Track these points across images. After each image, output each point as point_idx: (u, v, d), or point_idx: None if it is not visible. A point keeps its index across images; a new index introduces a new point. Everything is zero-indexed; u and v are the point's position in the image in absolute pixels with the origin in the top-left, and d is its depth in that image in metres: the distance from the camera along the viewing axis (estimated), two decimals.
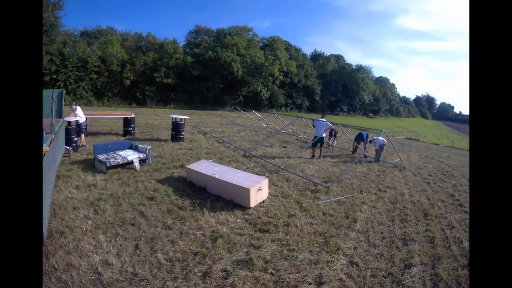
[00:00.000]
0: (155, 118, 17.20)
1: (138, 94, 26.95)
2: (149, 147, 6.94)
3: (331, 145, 11.07)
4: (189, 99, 29.16)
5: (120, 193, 4.90)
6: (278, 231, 3.98)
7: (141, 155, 6.64)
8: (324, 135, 8.53)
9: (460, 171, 8.59)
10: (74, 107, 8.04)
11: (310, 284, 2.93)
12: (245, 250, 3.45)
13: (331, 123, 9.13)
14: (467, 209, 5.26)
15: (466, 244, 3.89)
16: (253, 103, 31.05)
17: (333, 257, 3.43)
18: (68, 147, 7.09)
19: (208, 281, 2.86)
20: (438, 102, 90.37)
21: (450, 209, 5.35)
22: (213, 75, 29.39)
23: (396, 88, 59.42)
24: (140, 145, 7.01)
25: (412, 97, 76.11)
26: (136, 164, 6.35)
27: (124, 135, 10.30)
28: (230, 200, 4.83)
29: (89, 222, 3.85)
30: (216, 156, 8.00)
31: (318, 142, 8.46)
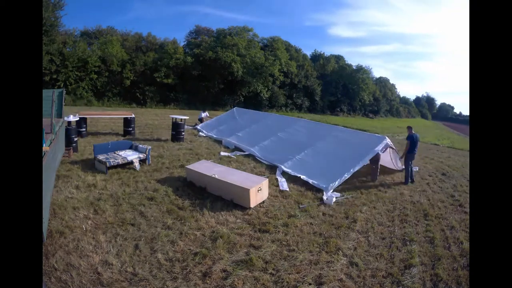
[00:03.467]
0: (155, 118, 17.18)
1: (138, 94, 26.93)
2: (149, 147, 6.94)
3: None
4: (189, 99, 29.16)
5: (120, 193, 4.90)
6: (278, 231, 3.97)
7: (141, 155, 6.64)
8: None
9: (460, 171, 8.58)
10: None
11: (310, 284, 2.93)
12: (245, 250, 3.45)
13: None
14: (467, 210, 5.25)
15: (466, 245, 3.89)
16: (253, 103, 31.02)
17: (333, 257, 3.43)
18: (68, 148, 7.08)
19: (208, 281, 2.86)
20: (438, 102, 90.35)
21: (450, 209, 5.34)
22: (213, 75, 29.38)
23: (396, 88, 59.40)
24: (140, 145, 7.01)
25: (412, 97, 76.06)
26: (136, 164, 6.35)
27: (124, 135, 10.30)
28: (230, 200, 4.82)
29: (89, 222, 3.85)
30: (216, 156, 8.00)
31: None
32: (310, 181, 6.07)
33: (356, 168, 6.08)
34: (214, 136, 10.94)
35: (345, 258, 3.43)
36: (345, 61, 47.44)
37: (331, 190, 5.64)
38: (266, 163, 7.50)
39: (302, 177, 6.30)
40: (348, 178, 5.96)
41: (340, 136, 7.75)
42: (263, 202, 4.95)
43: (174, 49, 29.33)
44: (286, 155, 7.42)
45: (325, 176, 6.03)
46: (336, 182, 5.80)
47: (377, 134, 7.93)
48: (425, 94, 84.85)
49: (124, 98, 26.68)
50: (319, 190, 5.72)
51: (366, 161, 6.27)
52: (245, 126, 10.79)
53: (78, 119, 8.54)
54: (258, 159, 7.86)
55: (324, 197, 5.30)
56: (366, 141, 6.93)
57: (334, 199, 5.22)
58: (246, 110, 13.95)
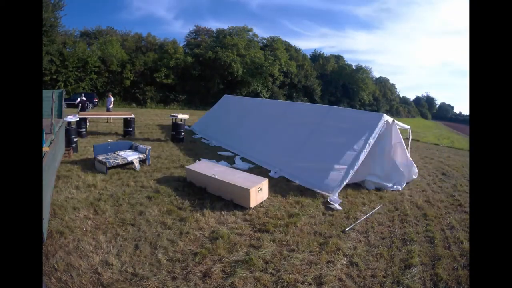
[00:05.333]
0: (155, 118, 17.21)
1: (138, 94, 27.00)
2: (149, 147, 6.94)
3: None
4: (189, 99, 29.21)
5: (120, 193, 4.90)
6: (278, 231, 3.97)
7: (141, 156, 6.64)
8: None
9: (460, 171, 8.59)
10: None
11: (310, 284, 2.93)
12: (245, 250, 3.45)
13: None
14: (467, 209, 5.25)
15: (466, 244, 3.89)
16: None
17: (333, 257, 3.43)
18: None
19: (208, 281, 2.86)
20: (438, 102, 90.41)
21: (450, 209, 5.34)
22: (213, 76, 29.43)
23: (396, 88, 59.47)
24: (140, 146, 7.01)
25: (412, 97, 76.23)
26: (136, 164, 6.35)
27: (124, 136, 10.30)
28: (230, 200, 4.82)
29: (89, 222, 3.85)
30: (216, 157, 7.99)
31: None
32: (310, 187, 5.73)
33: (360, 161, 5.63)
34: (206, 141, 10.36)
35: (345, 258, 3.43)
36: (344, 61, 47.56)
37: (336, 194, 5.34)
38: (264, 167, 7.17)
39: (299, 182, 6.00)
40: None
41: (332, 121, 7.08)
42: (263, 202, 4.95)
43: (174, 49, 29.36)
44: (277, 156, 7.06)
45: (327, 177, 5.72)
46: (344, 183, 5.43)
47: (372, 112, 7.22)
48: (424, 94, 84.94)
49: (124, 98, 26.73)
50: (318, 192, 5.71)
51: (368, 148, 5.75)
52: (236, 124, 10.33)
53: (78, 119, 8.55)
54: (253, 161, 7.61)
55: (330, 199, 5.17)
56: (362, 121, 6.36)
57: (339, 203, 5.07)
58: (236, 99, 14.12)
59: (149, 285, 2.76)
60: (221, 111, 12.48)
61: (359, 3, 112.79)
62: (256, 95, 31.71)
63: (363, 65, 45.72)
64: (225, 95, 14.69)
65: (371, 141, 5.85)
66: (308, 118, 7.87)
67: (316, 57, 46.19)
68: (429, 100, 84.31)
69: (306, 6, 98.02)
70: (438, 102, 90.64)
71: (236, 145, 8.94)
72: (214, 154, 8.35)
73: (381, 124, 6.04)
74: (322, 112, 7.84)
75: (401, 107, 60.22)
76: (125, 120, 10.44)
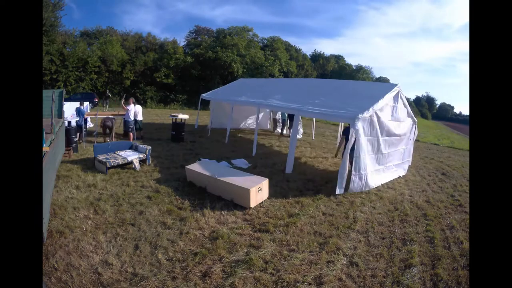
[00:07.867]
0: (155, 118, 17.19)
1: (138, 94, 26.96)
2: (149, 147, 6.94)
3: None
4: (189, 99, 29.17)
5: (120, 193, 4.90)
6: (278, 231, 3.97)
7: (141, 155, 6.64)
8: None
9: (460, 171, 8.58)
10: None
11: (310, 284, 2.93)
12: (245, 250, 3.45)
13: None
14: (467, 209, 5.25)
15: (466, 245, 3.89)
16: None
17: (333, 257, 3.43)
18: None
19: (208, 281, 2.86)
20: (438, 102, 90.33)
21: (450, 209, 5.34)
22: (213, 75, 29.40)
23: None
24: (140, 145, 7.01)
25: (412, 97, 76.18)
26: (136, 164, 6.35)
27: (124, 136, 10.28)
28: (230, 200, 4.82)
29: (89, 222, 3.85)
30: (216, 157, 7.99)
31: None
32: (336, 111, 6.17)
33: (380, 101, 6.09)
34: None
35: (345, 258, 3.43)
36: (345, 61, 47.53)
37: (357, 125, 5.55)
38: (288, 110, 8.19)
39: (325, 110, 6.47)
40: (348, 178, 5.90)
41: (344, 90, 8.15)
42: (263, 202, 4.95)
43: (174, 49, 29.34)
44: (304, 102, 7.55)
45: (349, 109, 5.98)
46: (368, 110, 5.75)
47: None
48: (425, 94, 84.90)
49: (124, 98, 26.67)
50: (319, 191, 5.71)
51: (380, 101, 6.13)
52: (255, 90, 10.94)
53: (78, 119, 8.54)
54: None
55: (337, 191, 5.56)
56: (374, 89, 7.38)
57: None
58: (252, 80, 15.21)
59: (149, 285, 2.76)
60: (237, 90, 12.62)
61: (308, 16, 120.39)
62: None
63: (363, 65, 45.70)
64: (240, 79, 15.74)
65: (381, 101, 6.18)
66: (328, 87, 8.99)
67: (316, 57, 46.17)
68: (429, 100, 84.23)
69: (267, 20, 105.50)
70: (438, 102, 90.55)
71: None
72: (214, 154, 8.35)
73: (393, 92, 6.54)
74: (338, 84, 9.35)
75: None
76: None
